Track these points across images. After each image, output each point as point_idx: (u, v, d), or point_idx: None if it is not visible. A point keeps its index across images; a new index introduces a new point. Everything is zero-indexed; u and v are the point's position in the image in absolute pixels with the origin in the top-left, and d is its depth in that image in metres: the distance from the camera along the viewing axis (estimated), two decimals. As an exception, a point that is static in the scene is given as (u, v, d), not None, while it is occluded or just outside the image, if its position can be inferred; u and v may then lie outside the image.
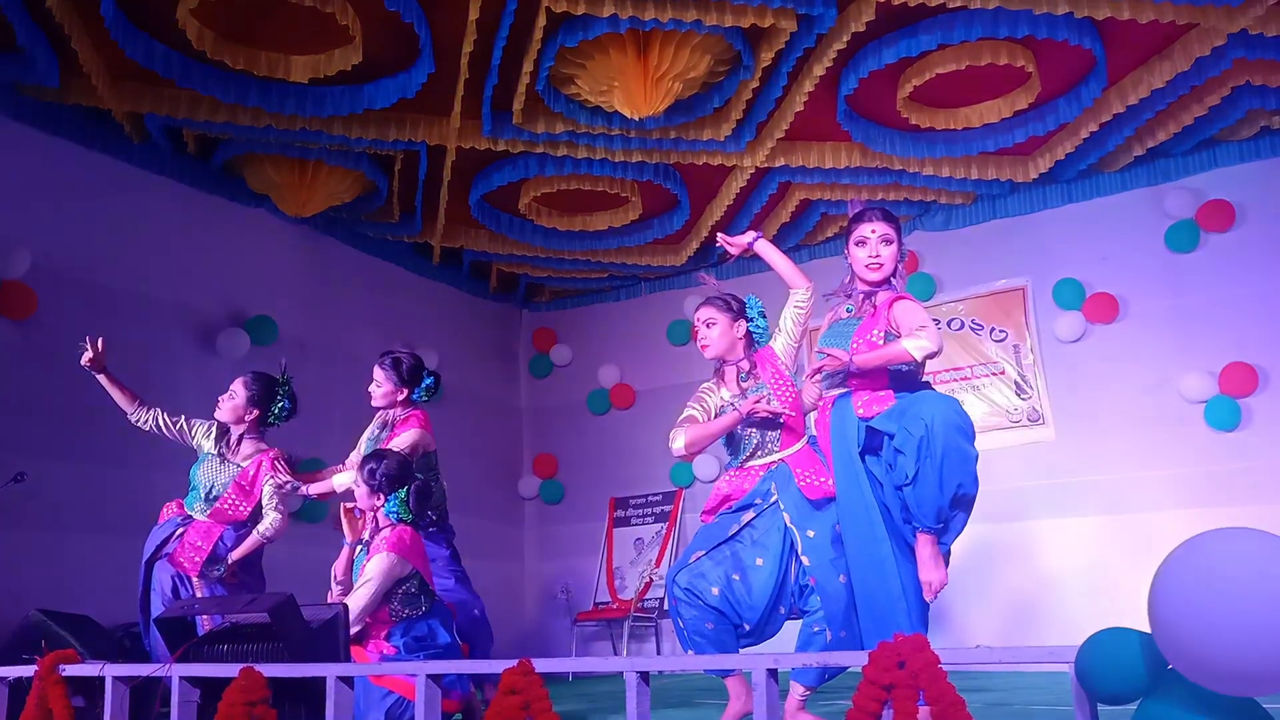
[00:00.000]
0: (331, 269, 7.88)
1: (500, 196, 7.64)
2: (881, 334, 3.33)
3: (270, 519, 4.46)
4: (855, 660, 2.15)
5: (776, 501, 3.46)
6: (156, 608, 4.33)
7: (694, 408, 3.63)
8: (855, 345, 3.34)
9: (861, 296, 3.49)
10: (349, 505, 3.96)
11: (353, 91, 6.06)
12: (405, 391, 4.51)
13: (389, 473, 3.85)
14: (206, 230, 6.94)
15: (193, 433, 4.64)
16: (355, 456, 4.57)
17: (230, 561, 4.40)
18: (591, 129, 6.54)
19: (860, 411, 3.31)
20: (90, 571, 5.72)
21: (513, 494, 9.52)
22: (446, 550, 4.50)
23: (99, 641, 5.04)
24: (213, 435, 4.62)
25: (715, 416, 3.59)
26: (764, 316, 3.68)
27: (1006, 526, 7.11)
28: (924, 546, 3.18)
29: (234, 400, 4.59)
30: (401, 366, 4.51)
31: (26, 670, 3.36)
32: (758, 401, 3.43)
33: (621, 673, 2.41)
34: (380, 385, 4.52)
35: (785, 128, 6.68)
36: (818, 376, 3.44)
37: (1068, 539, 7.20)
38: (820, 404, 3.52)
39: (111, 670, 3.19)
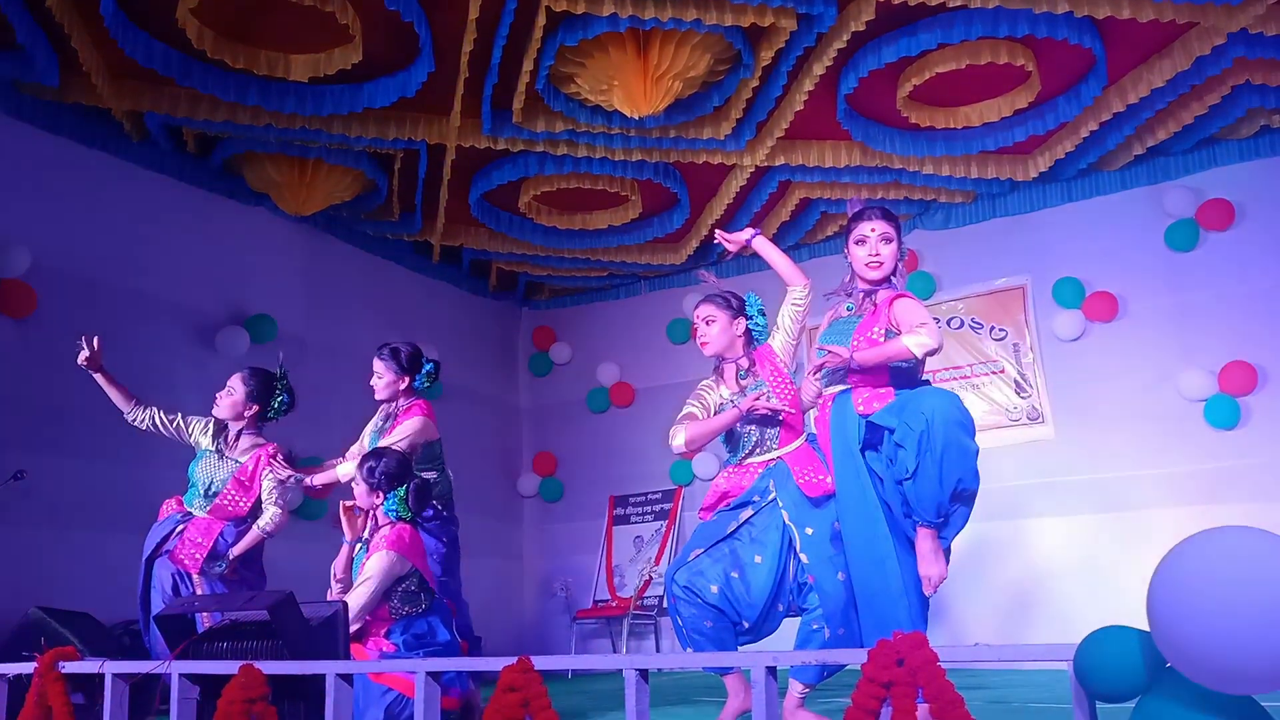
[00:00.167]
0: (331, 267, 7.88)
1: (500, 195, 7.64)
2: (882, 331, 3.34)
3: (270, 514, 4.46)
4: (854, 658, 2.15)
5: (775, 499, 3.46)
6: (157, 605, 4.33)
7: (693, 405, 3.64)
8: (856, 343, 3.34)
9: (861, 295, 3.49)
10: (348, 503, 3.96)
11: (352, 90, 6.06)
12: (407, 380, 4.52)
13: (388, 471, 3.86)
14: (206, 229, 6.94)
15: (190, 430, 4.64)
16: (358, 448, 4.58)
17: (231, 557, 4.40)
18: (591, 128, 6.54)
19: (860, 408, 3.31)
20: (90, 569, 5.72)
21: (512, 492, 9.53)
22: (443, 547, 4.50)
23: (98, 639, 5.03)
24: (210, 431, 4.62)
25: (715, 414, 3.59)
26: (763, 314, 3.68)
27: (1006, 524, 7.12)
28: (924, 541, 3.18)
29: (233, 397, 4.59)
30: (400, 355, 4.51)
31: (26, 667, 3.36)
32: (757, 398, 3.44)
33: (621, 670, 2.41)
34: (381, 376, 4.52)
35: (785, 126, 6.68)
36: (818, 374, 3.44)
37: (1067, 537, 7.21)
38: (820, 402, 3.52)
39: (111, 667, 3.19)
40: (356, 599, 3.59)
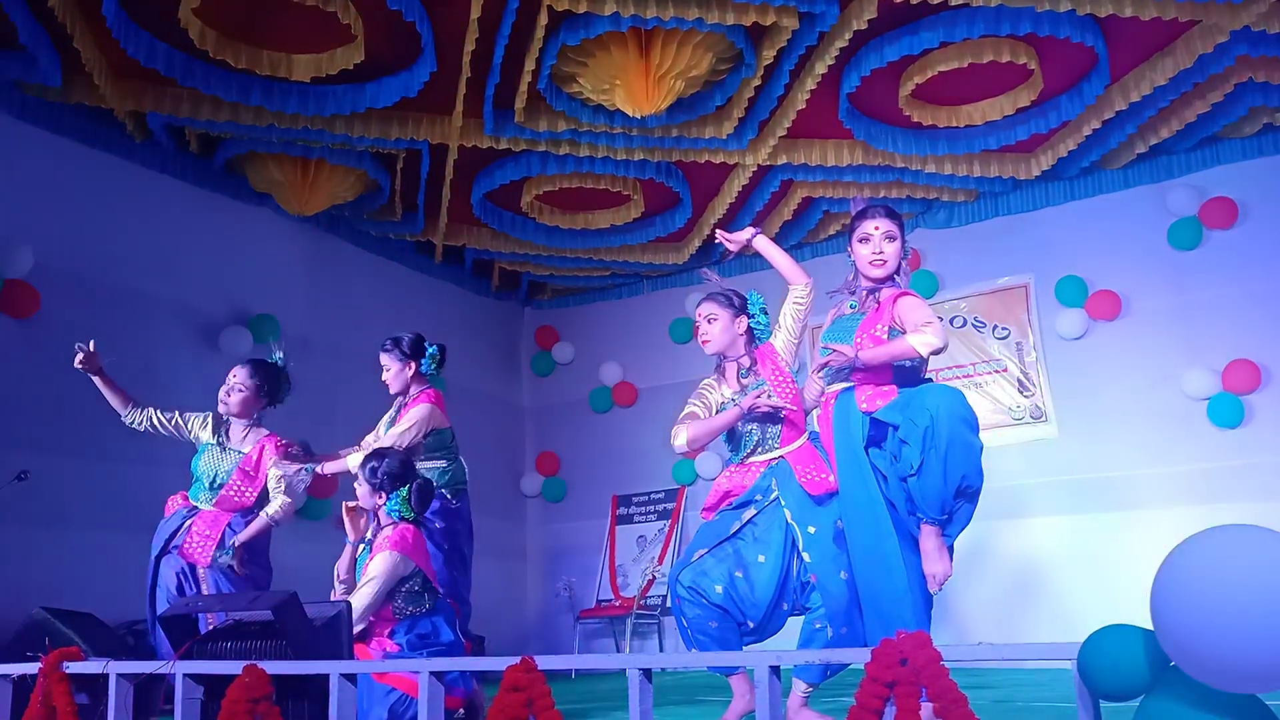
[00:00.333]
0: (334, 267, 7.89)
1: (502, 195, 7.64)
2: (886, 329, 3.33)
3: (278, 501, 4.46)
4: (858, 657, 2.15)
5: (777, 498, 3.46)
6: (161, 604, 4.34)
7: (695, 404, 3.64)
8: (859, 340, 3.34)
9: (865, 293, 3.48)
10: (350, 504, 3.97)
11: (355, 90, 6.06)
12: (413, 366, 4.60)
13: (390, 471, 3.86)
14: (209, 229, 6.94)
15: (189, 426, 4.65)
16: (373, 438, 4.62)
17: (238, 545, 4.38)
18: (594, 127, 6.54)
19: (864, 406, 3.30)
20: (94, 569, 5.73)
21: (515, 492, 9.53)
22: (445, 545, 4.52)
23: (103, 639, 5.03)
24: (209, 425, 4.62)
25: (716, 413, 3.59)
26: (765, 313, 3.68)
27: (1009, 523, 7.11)
28: (928, 538, 3.17)
29: (244, 394, 4.58)
30: (402, 343, 4.62)
31: (30, 668, 3.37)
32: (758, 397, 3.43)
33: (624, 670, 2.42)
34: (389, 368, 4.62)
35: (787, 125, 6.67)
36: (822, 372, 3.44)
37: (1070, 536, 7.20)
38: (822, 400, 3.52)
39: (115, 667, 3.20)
40: (360, 599, 3.60)
